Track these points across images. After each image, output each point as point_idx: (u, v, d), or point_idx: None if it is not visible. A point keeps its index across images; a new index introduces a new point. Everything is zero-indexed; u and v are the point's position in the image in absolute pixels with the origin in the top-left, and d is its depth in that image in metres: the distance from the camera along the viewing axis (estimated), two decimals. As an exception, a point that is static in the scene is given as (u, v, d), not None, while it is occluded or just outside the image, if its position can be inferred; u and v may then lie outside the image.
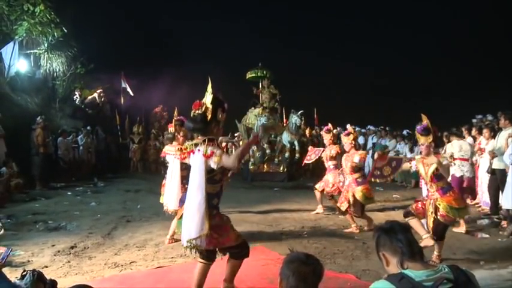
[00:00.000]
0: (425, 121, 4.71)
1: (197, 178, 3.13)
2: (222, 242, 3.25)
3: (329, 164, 7.09)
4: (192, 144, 3.29)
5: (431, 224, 4.62)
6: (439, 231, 4.60)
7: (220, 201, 3.35)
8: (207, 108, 3.22)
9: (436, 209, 4.59)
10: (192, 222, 3.10)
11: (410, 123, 12.39)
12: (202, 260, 3.34)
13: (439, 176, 4.60)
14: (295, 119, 12.06)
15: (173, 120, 5.57)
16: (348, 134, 6.44)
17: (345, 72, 20.11)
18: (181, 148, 4.16)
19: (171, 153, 5.29)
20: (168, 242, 5.32)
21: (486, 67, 18.41)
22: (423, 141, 4.68)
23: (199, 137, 3.28)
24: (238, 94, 13.20)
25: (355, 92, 20.71)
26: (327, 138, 7.15)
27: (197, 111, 3.24)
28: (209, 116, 3.20)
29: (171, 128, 5.62)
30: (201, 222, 3.07)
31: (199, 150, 3.17)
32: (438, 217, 4.56)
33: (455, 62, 19.52)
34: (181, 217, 3.34)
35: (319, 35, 22.68)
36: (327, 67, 20.28)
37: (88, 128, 13.20)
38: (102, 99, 15.67)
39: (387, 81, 20.50)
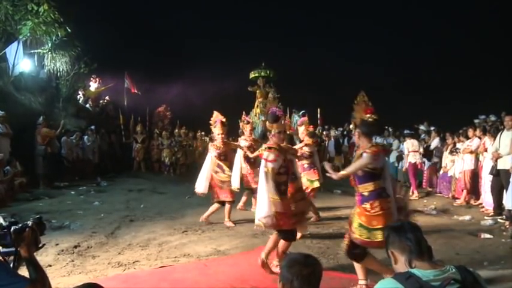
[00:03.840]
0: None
1: (265, 175, 4.01)
2: (281, 224, 3.95)
3: (303, 163, 6.30)
4: (261, 149, 4.36)
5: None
6: (351, 250, 3.55)
7: (287, 188, 4.21)
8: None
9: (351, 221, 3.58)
10: (262, 205, 3.94)
11: (412, 123, 12.45)
12: None
13: (361, 177, 3.49)
14: (296, 118, 12.10)
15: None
16: (303, 124, 6.38)
17: (347, 72, 20.11)
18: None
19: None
20: (203, 219, 6.45)
21: (486, 66, 18.34)
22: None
23: (263, 145, 4.37)
24: (242, 94, 13.23)
25: (358, 92, 20.63)
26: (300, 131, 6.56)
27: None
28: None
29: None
30: (268, 206, 3.88)
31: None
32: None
33: (455, 61, 19.46)
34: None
35: (322, 35, 22.71)
36: (329, 66, 20.28)
37: (92, 127, 13.23)
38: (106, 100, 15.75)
39: (389, 81, 20.47)
